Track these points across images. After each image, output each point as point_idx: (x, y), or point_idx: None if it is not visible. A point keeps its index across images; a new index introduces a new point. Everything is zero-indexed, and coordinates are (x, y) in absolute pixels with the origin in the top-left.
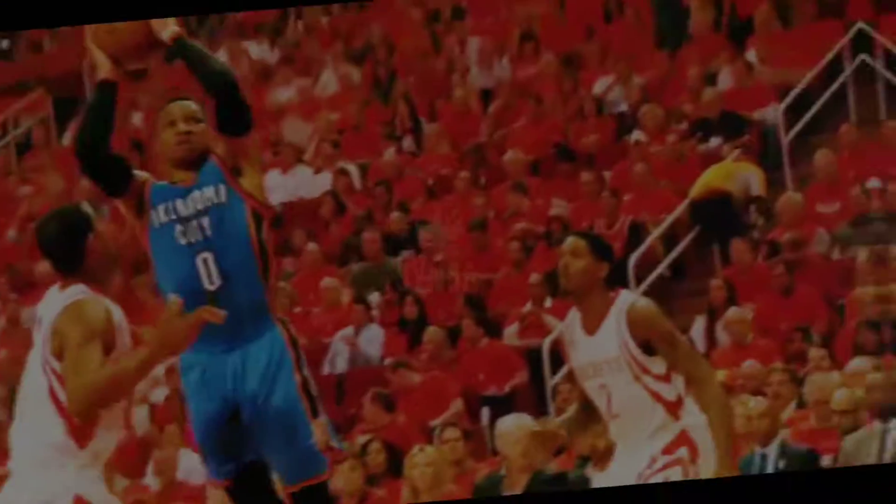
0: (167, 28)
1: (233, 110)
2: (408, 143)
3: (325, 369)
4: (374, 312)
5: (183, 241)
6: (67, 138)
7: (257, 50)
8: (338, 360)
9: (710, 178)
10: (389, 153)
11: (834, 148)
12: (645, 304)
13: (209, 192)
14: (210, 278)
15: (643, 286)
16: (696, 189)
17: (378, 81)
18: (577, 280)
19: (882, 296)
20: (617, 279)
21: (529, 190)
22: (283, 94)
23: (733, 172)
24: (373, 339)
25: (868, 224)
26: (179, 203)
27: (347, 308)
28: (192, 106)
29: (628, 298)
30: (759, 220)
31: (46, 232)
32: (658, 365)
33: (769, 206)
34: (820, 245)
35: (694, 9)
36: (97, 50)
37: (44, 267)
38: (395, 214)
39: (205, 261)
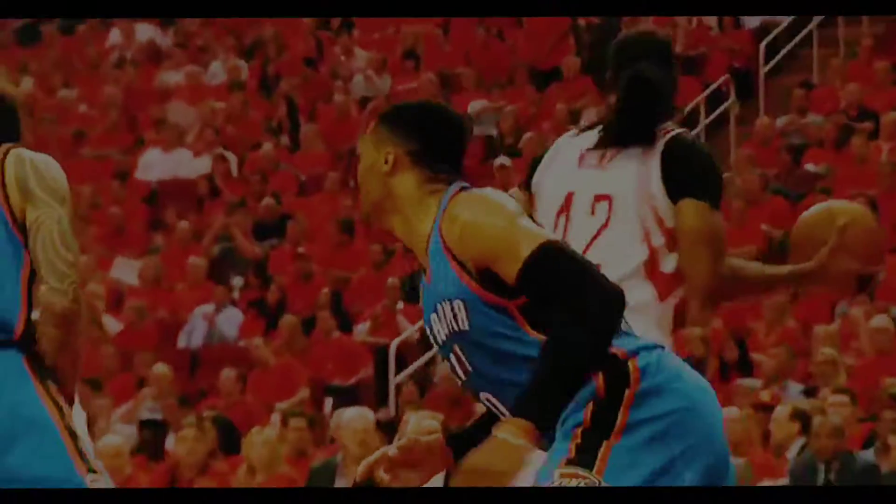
0: None
1: None
2: (285, 139)
3: (182, 342)
4: (235, 295)
5: None
6: None
7: (150, 32)
8: (194, 335)
9: None
10: (267, 146)
11: None
12: None
13: None
14: None
15: None
16: None
17: (265, 77)
18: None
19: None
20: None
21: None
22: (173, 77)
23: None
24: (231, 319)
25: None
26: None
27: (210, 287)
28: None
29: None
30: None
31: None
32: None
33: None
34: None
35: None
36: None
37: None
38: (266, 201)
39: None
